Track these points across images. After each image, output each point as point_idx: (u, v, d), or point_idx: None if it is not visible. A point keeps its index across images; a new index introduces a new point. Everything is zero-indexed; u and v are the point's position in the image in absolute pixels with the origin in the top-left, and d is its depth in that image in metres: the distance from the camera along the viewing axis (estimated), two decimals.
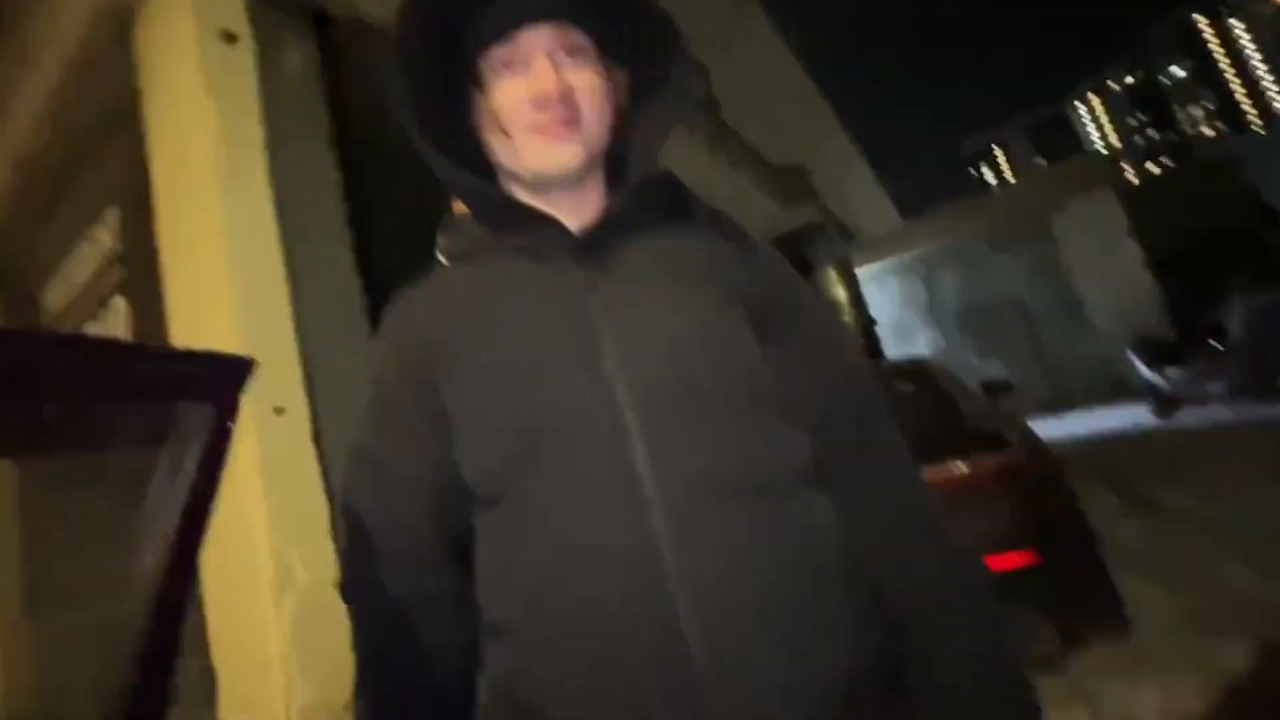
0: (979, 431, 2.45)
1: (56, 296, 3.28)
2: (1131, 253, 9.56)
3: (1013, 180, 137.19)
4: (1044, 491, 2.38)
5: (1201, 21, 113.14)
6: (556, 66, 0.64)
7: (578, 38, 0.66)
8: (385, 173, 2.83)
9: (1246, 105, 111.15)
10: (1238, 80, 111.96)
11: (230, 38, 2.36)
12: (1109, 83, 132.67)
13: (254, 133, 2.32)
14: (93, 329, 2.93)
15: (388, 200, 2.84)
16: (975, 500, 2.11)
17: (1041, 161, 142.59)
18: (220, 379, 0.69)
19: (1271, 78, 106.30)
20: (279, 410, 2.15)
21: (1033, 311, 10.42)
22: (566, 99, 0.64)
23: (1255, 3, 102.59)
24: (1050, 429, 7.63)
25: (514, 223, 0.68)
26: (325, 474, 2.20)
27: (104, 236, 2.90)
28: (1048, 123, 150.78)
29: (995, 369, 10.31)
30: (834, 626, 0.59)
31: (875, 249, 11.39)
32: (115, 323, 2.78)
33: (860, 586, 0.63)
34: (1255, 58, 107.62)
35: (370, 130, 2.84)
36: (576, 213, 0.69)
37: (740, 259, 0.72)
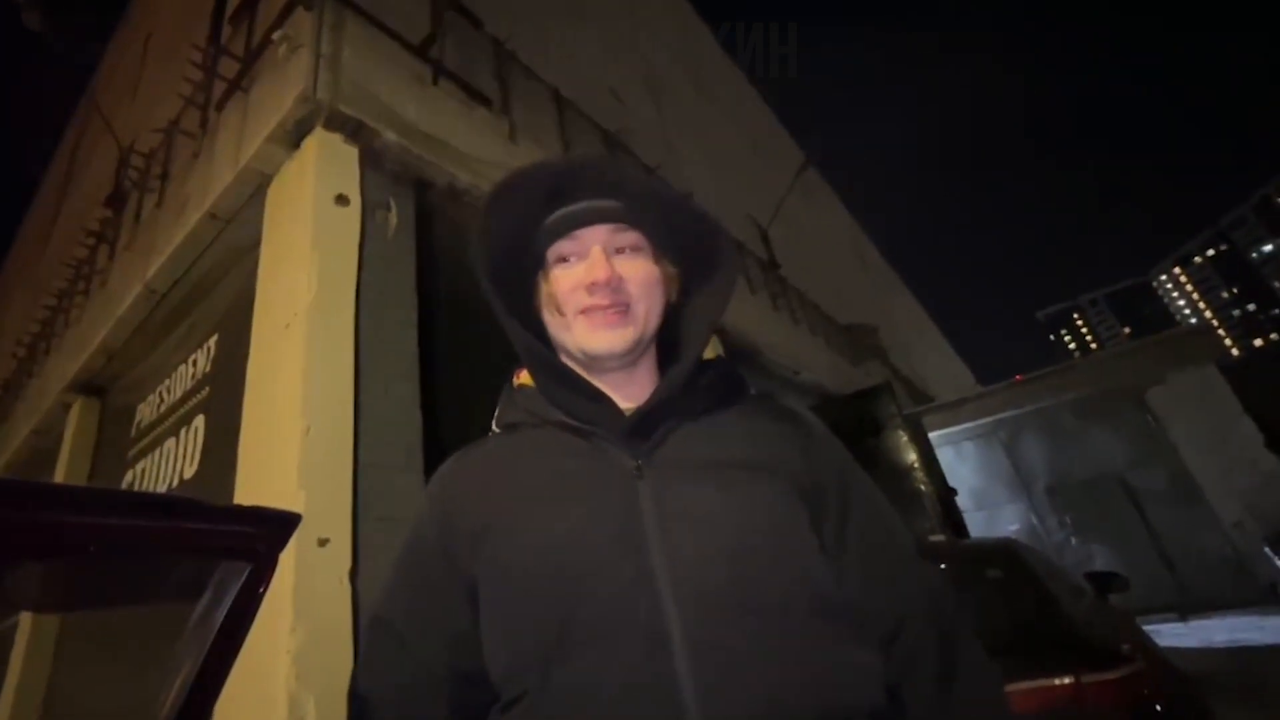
0: (1087, 637, 2.08)
1: (150, 411, 3.54)
2: (1249, 432, 8.67)
3: (1095, 348, 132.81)
4: (1174, 714, 1.93)
5: None
6: (610, 259, 0.70)
7: (633, 236, 0.73)
8: (459, 326, 3.02)
9: None
10: None
11: (343, 200, 2.68)
12: (1194, 258, 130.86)
13: (348, 279, 2.54)
14: (171, 444, 3.10)
15: (458, 352, 2.99)
16: None
17: (1126, 331, 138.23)
18: (263, 538, 0.69)
19: None
20: (323, 541, 2.12)
21: (1139, 491, 9.42)
22: (617, 286, 0.69)
23: None
24: (1176, 636, 6.51)
25: (570, 394, 0.70)
26: (356, 617, 2.10)
27: (201, 360, 3.17)
28: (1129, 293, 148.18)
29: (1100, 554, 9.17)
30: None
31: (951, 411, 10.91)
32: (191, 440, 2.94)
33: None
34: None
35: (450, 284, 3.09)
36: (628, 394, 0.71)
37: (797, 447, 0.70)
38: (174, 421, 3.18)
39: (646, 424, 0.67)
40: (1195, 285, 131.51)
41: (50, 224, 7.33)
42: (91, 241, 4.31)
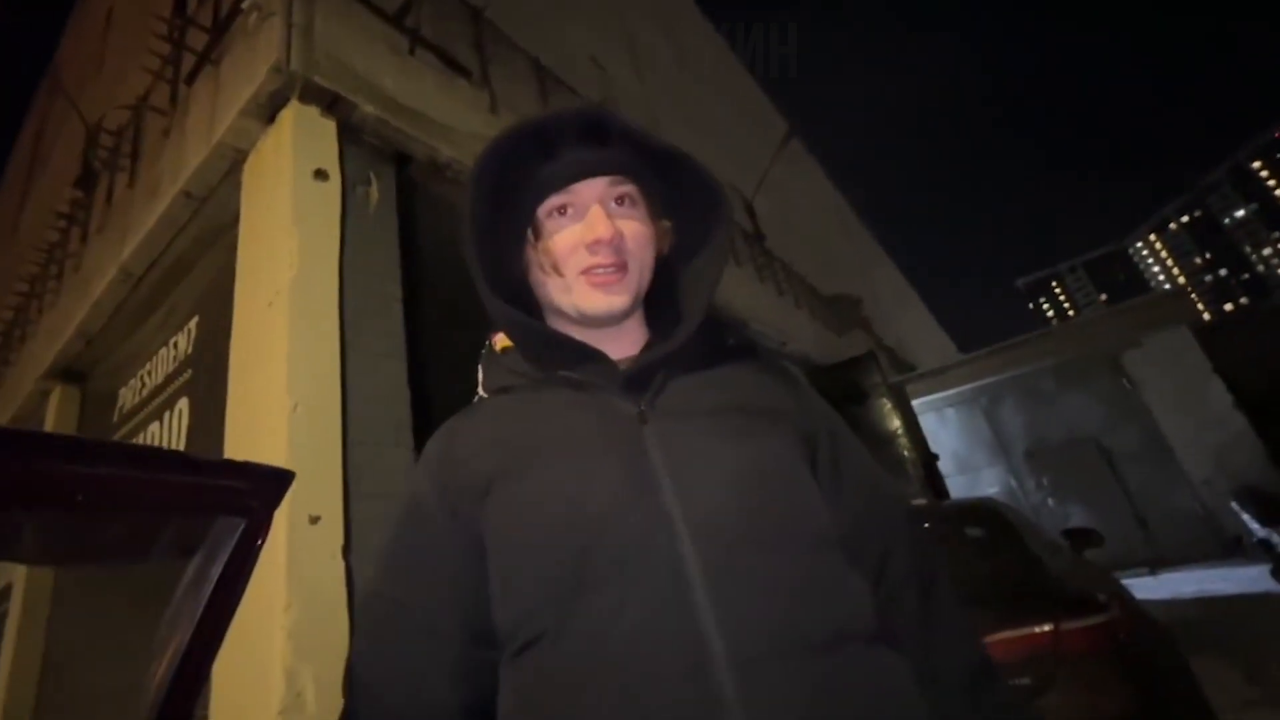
0: (1064, 588, 2.16)
1: (132, 395, 3.49)
2: (1218, 392, 8.92)
3: (1073, 315, 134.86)
4: (1151, 665, 2.02)
5: (1261, 167, 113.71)
6: (609, 216, 0.68)
7: (629, 188, 0.71)
8: (444, 298, 3.00)
9: None
10: None
11: (322, 175, 2.62)
12: (1168, 224, 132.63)
13: (330, 255, 2.50)
14: (155, 428, 3.07)
15: (443, 324, 2.97)
16: (1066, 673, 1.81)
17: (1103, 298, 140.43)
18: (257, 493, 0.68)
19: None
20: (314, 519, 2.13)
21: (1113, 452, 9.68)
22: (617, 244, 0.68)
23: None
24: (1146, 589, 6.77)
25: (562, 357, 0.69)
26: (350, 591, 2.12)
27: (182, 342, 3.12)
28: (1106, 259, 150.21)
29: (1076, 514, 9.46)
30: None
31: (933, 379, 11.07)
32: (176, 422, 2.91)
33: None
34: None
35: (433, 258, 3.06)
36: (618, 347, 0.71)
37: (787, 392, 0.73)
38: (157, 405, 3.14)
39: (643, 375, 0.67)
40: (1170, 251, 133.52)
41: (17, 210, 7.09)
42: (62, 225, 4.19)
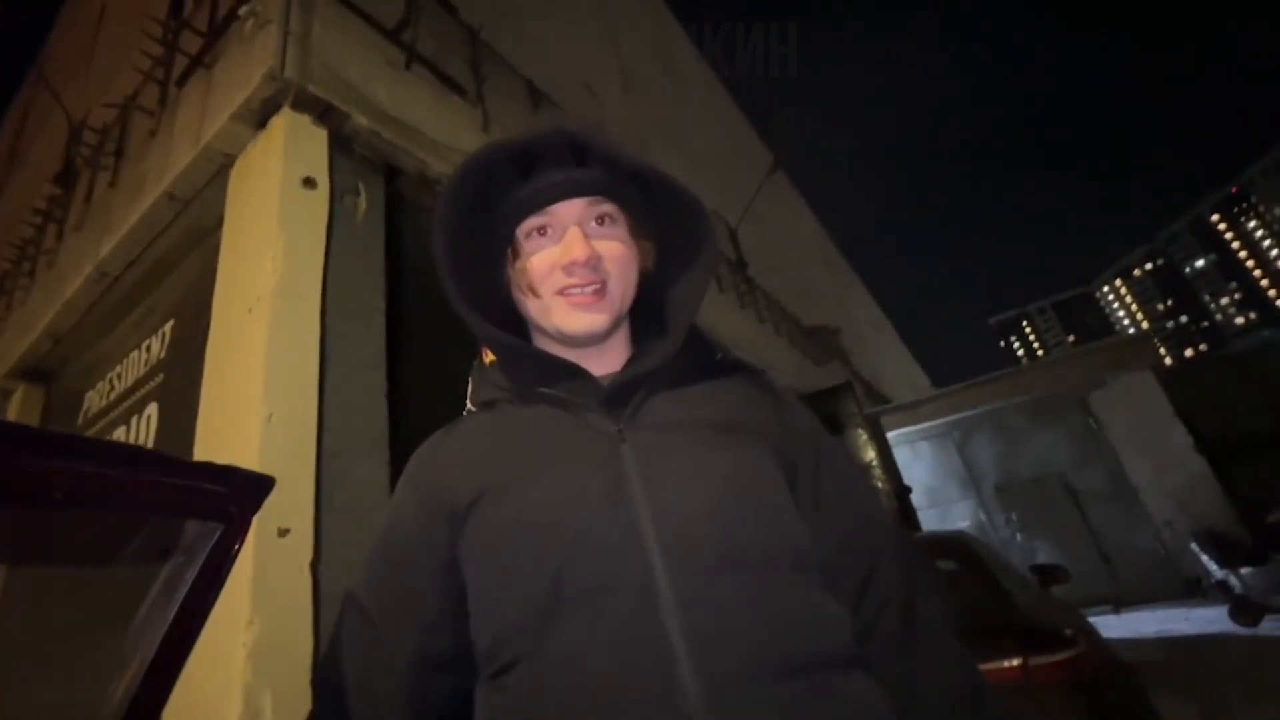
0: (1034, 624, 2.19)
1: (99, 398, 3.39)
2: (1179, 436, 9.19)
3: (1042, 354, 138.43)
4: (1116, 702, 2.05)
5: (1219, 221, 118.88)
6: (587, 235, 0.68)
7: (609, 208, 0.71)
8: (428, 311, 2.98)
9: (1273, 296, 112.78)
10: (1260, 272, 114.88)
11: (311, 183, 2.61)
12: (1133, 271, 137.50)
13: (315, 264, 2.48)
14: (121, 433, 2.97)
15: (427, 338, 2.95)
16: (1034, 707, 1.82)
17: (1071, 339, 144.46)
18: (237, 498, 0.67)
19: None
20: (283, 531, 2.07)
21: (1080, 490, 9.89)
22: (595, 265, 0.68)
23: (1271, 204, 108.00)
24: (1110, 627, 6.87)
25: (545, 373, 0.69)
26: (317, 608, 2.06)
27: (155, 345, 3.05)
28: (1075, 302, 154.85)
29: (1043, 550, 9.60)
30: None
31: (908, 412, 11.25)
32: (144, 427, 2.83)
33: None
34: (1275, 254, 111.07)
35: (419, 271, 3.05)
36: (602, 364, 0.71)
37: (771, 410, 0.72)
38: (125, 409, 3.05)
39: (624, 391, 0.67)
40: (1134, 297, 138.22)
41: None
42: (38, 221, 4.08)
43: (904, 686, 0.62)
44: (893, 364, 19.51)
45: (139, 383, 3.04)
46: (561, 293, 0.68)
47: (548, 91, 4.71)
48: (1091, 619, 3.30)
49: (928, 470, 11.06)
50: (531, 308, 0.71)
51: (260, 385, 2.19)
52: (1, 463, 0.49)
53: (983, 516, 10.44)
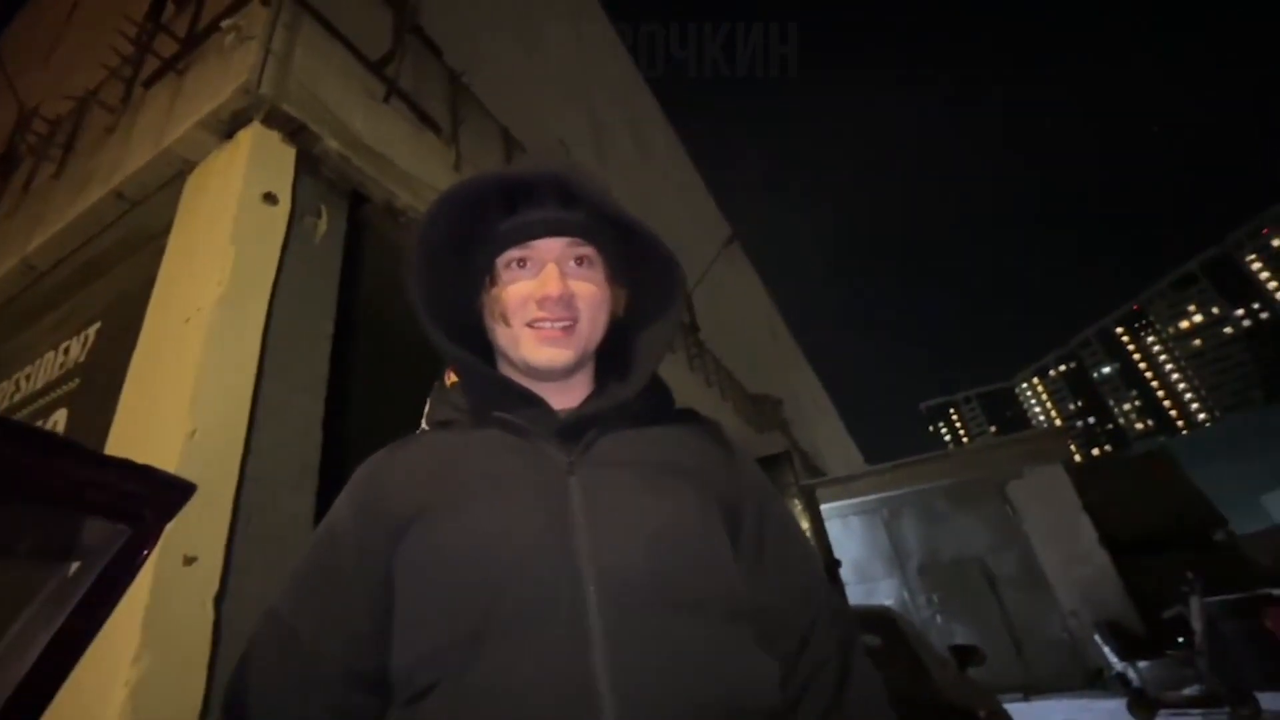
0: (951, 703, 2.23)
1: (1, 399, 3.11)
2: (1086, 529, 9.73)
3: (966, 441, 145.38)
4: None
5: (1123, 333, 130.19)
6: (564, 274, 0.70)
7: (587, 251, 0.73)
8: (378, 345, 2.91)
9: (1169, 407, 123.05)
10: (1157, 384, 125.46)
11: (271, 198, 2.57)
12: (1049, 371, 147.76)
13: (264, 280, 2.41)
14: None
15: (372, 374, 2.87)
16: None
17: (993, 429, 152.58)
18: (152, 501, 0.61)
19: (1184, 387, 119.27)
20: (189, 559, 1.92)
21: (996, 576, 10.24)
22: (568, 303, 0.70)
23: (1166, 324, 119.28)
24: (1019, 715, 7.01)
25: (504, 399, 0.70)
26: (215, 648, 1.89)
27: (74, 349, 2.85)
28: (997, 395, 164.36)
29: (960, 633, 9.80)
30: None
31: (841, 486, 11.51)
32: None
33: None
34: (1169, 368, 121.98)
35: (374, 299, 3.00)
36: (562, 399, 0.73)
37: (721, 460, 0.74)
38: (29, 413, 2.80)
39: (579, 426, 0.68)
40: (1049, 395, 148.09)
41: None
42: None
43: None
44: (829, 438, 20.05)
45: (50, 385, 2.81)
46: (532, 324, 0.70)
47: (522, 140, 4.84)
48: (1004, 706, 3.38)
49: (857, 546, 11.26)
50: (501, 336, 0.72)
51: (188, 398, 2.08)
52: None
53: (906, 595, 10.63)
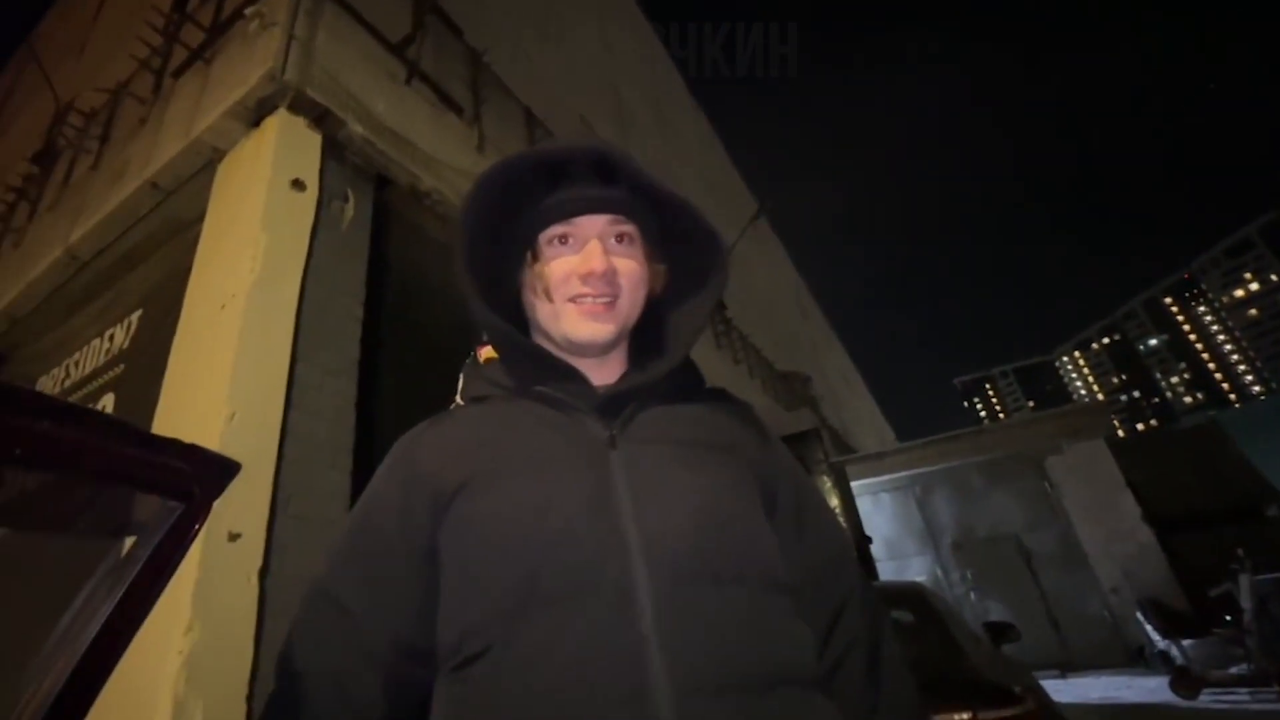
0: (984, 679, 2.21)
1: (52, 384, 3.26)
2: (1128, 506, 9.47)
3: (1003, 417, 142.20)
4: None
5: (1172, 304, 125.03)
6: (606, 250, 0.71)
7: (628, 227, 0.74)
8: (406, 323, 2.96)
9: (1220, 379, 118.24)
10: (1208, 356, 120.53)
11: (299, 185, 2.60)
12: (1091, 344, 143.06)
13: (295, 265, 2.46)
14: None
15: (401, 355, 2.92)
16: None
17: (1031, 404, 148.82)
18: (199, 478, 0.64)
19: (1237, 358, 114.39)
20: (234, 536, 2.00)
21: (1033, 553, 10.07)
22: (610, 279, 0.71)
23: (1219, 293, 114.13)
24: (1056, 691, 6.93)
25: (543, 373, 0.71)
26: (260, 619, 1.98)
27: (120, 335, 2.96)
28: (1035, 369, 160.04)
29: (995, 610, 9.69)
30: None
31: (872, 463, 11.40)
32: None
33: None
34: (1222, 339, 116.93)
35: (400, 282, 3.04)
36: (599, 375, 0.74)
37: (756, 443, 0.75)
38: (80, 398, 2.93)
39: (617, 402, 0.69)
40: (1091, 368, 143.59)
41: None
42: (11, 198, 3.97)
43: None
44: (860, 415, 19.81)
45: (97, 371, 2.93)
46: (574, 300, 0.71)
47: (544, 120, 4.81)
48: (1040, 682, 3.33)
49: (888, 522, 11.17)
50: (542, 311, 0.73)
51: (226, 383, 2.14)
52: None
53: (939, 572, 10.53)
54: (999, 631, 3.49)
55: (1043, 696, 2.41)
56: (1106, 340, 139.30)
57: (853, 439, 14.75)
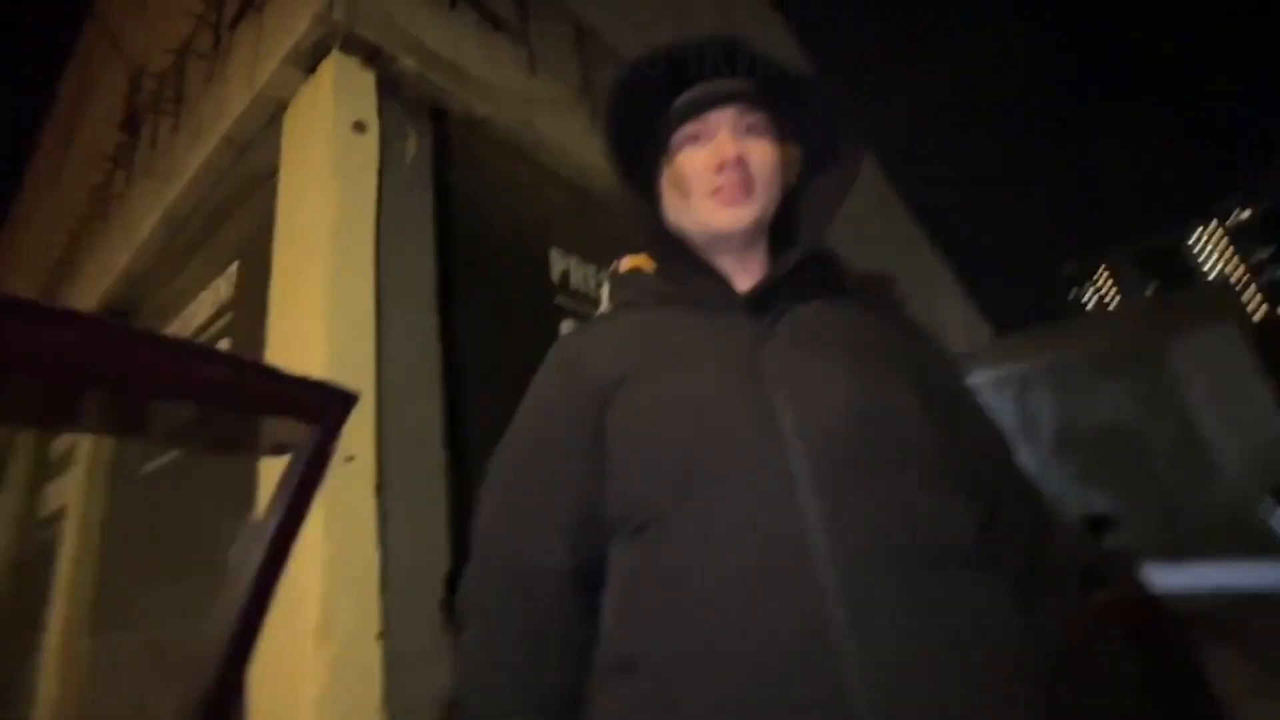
0: (1081, 569, 2.16)
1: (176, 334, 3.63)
2: (1260, 393, 8.63)
3: (1118, 305, 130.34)
4: (1158, 647, 2.03)
5: None
6: (736, 139, 0.73)
7: (757, 117, 0.75)
8: (476, 255, 3.03)
9: None
10: None
11: (361, 127, 2.65)
12: (1230, 215, 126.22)
13: (367, 208, 2.55)
14: None
15: (474, 285, 3.01)
16: None
17: (1151, 289, 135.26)
18: (329, 406, 0.76)
19: None
20: (350, 458, 2.22)
21: (1147, 445, 9.47)
22: (742, 166, 0.72)
23: None
24: (1167, 580, 6.68)
25: (688, 273, 0.74)
26: (382, 528, 2.22)
27: (223, 286, 3.23)
28: (1160, 250, 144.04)
29: (1101, 503, 9.33)
30: (1009, 714, 0.55)
31: (964, 362, 10.89)
32: None
33: (1035, 676, 0.59)
34: None
35: (467, 215, 3.09)
36: (742, 275, 0.75)
37: (902, 328, 0.77)
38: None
39: (765, 298, 0.71)
40: (1232, 243, 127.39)
41: (63, 151, 7.27)
42: (108, 167, 4.30)
43: (1027, 606, 0.64)
44: (951, 312, 18.72)
45: (210, 320, 3.24)
46: (712, 193, 0.73)
47: (598, 30, 4.57)
48: (1150, 570, 3.22)
49: None
50: (680, 209, 0.76)
51: (322, 324, 2.31)
52: (177, 370, 0.60)
53: (1037, 469, 10.17)
54: (1098, 523, 3.36)
55: (1143, 584, 2.34)
56: (1249, 212, 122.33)
57: (943, 338, 14.05)
